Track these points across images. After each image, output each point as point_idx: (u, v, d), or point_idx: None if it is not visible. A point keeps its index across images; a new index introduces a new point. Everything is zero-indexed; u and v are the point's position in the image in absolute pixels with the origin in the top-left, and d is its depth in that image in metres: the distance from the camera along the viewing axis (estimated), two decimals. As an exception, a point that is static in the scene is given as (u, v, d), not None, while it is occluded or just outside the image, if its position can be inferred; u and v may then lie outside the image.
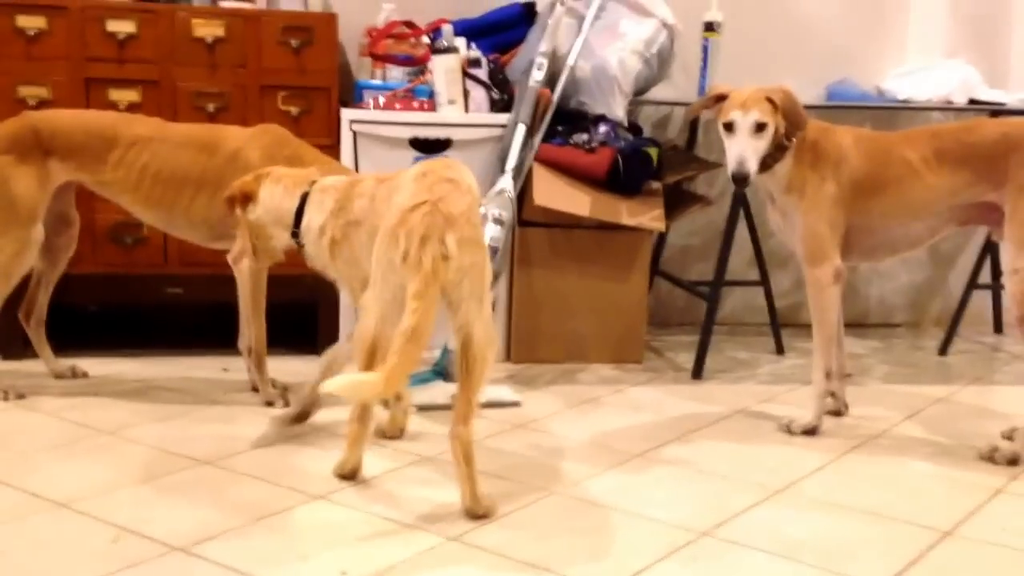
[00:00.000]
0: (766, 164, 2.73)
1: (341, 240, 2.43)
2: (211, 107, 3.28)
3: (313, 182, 2.51)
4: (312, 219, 2.47)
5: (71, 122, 2.89)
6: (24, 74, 3.19)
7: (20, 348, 3.20)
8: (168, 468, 2.43)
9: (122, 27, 3.21)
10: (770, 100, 2.68)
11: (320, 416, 2.76)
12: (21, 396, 2.90)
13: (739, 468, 2.58)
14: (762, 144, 2.69)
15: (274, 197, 2.53)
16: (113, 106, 3.21)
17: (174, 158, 2.86)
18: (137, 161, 2.85)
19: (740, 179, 2.67)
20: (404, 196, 2.20)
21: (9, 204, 2.80)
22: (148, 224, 3.06)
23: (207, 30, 3.25)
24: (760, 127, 2.67)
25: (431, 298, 2.10)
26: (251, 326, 2.94)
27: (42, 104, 3.17)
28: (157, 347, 3.43)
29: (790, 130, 2.72)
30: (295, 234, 2.50)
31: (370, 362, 2.21)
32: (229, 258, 2.89)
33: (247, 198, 2.56)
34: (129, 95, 3.23)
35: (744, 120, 2.67)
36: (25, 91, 3.18)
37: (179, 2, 3.42)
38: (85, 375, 3.12)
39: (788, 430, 2.84)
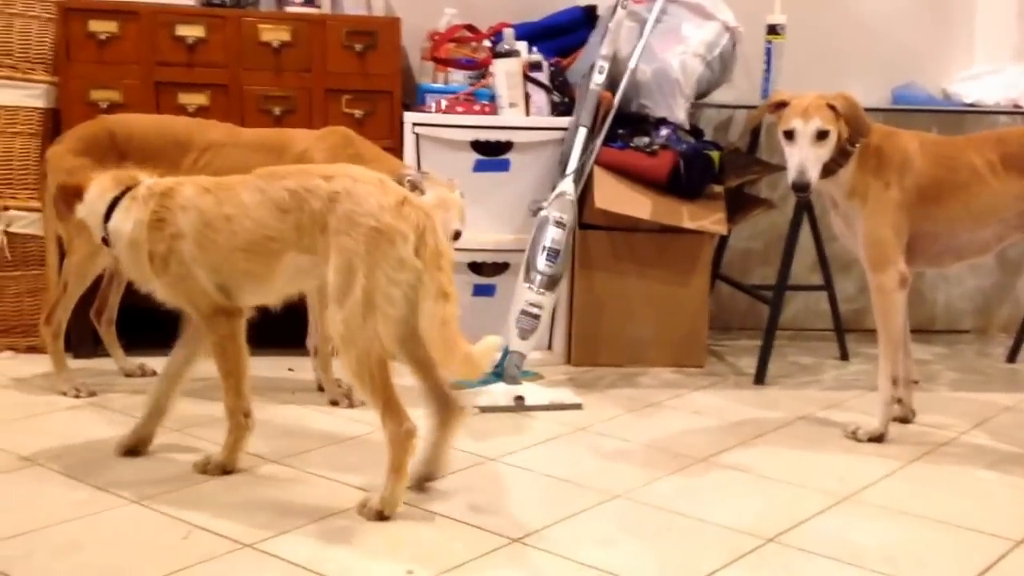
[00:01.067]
0: (829, 170, 2.70)
1: (167, 255, 2.28)
2: (277, 110, 3.32)
3: (132, 186, 2.34)
4: (119, 224, 2.31)
5: (147, 127, 2.95)
6: (96, 78, 3.26)
7: (91, 347, 3.27)
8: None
9: (191, 32, 3.27)
10: (832, 107, 2.65)
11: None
12: (92, 394, 2.96)
13: (804, 474, 2.55)
14: (824, 152, 2.66)
15: (92, 196, 2.36)
16: (182, 109, 3.27)
17: (245, 162, 2.90)
18: (211, 166, 2.90)
19: (800, 188, 2.65)
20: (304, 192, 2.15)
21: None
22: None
23: (273, 35, 3.30)
24: (821, 135, 2.64)
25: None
26: (318, 326, 2.97)
27: (113, 107, 3.24)
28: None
29: (853, 136, 2.69)
30: (105, 240, 2.36)
31: (383, 381, 2.16)
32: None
33: (77, 194, 2.39)
34: (198, 99, 3.29)
35: (805, 128, 2.64)
36: (97, 94, 3.25)
37: (247, 7, 3.49)
38: (154, 373, 3.16)
39: (854, 437, 2.81)
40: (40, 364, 3.14)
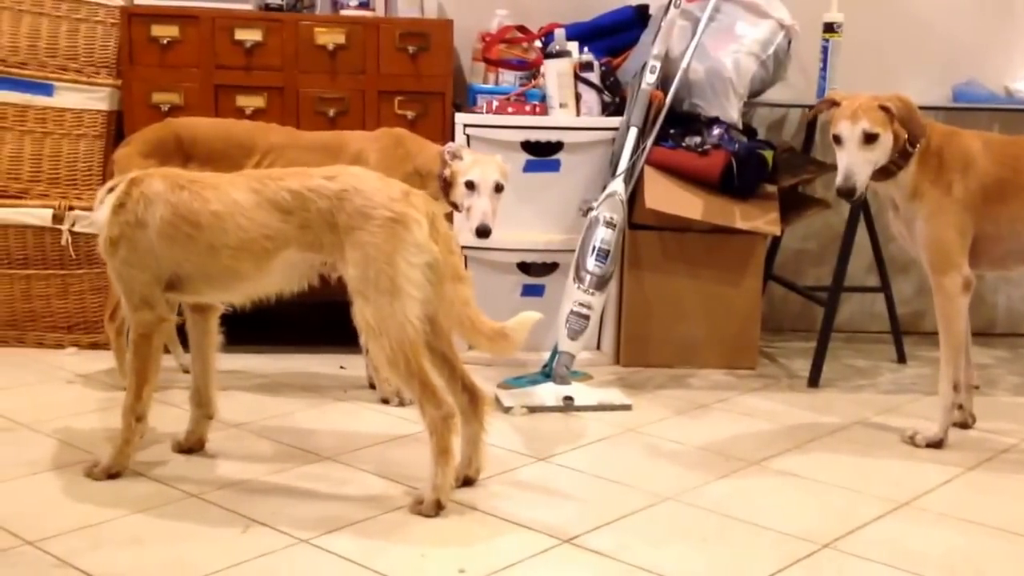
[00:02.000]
0: (888, 171, 2.66)
1: (119, 239, 2.30)
2: (331, 112, 3.37)
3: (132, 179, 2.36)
4: (98, 214, 2.35)
5: (211, 130, 3.02)
6: (158, 81, 3.33)
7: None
8: (292, 462, 2.52)
9: (249, 35, 3.33)
10: (884, 108, 2.61)
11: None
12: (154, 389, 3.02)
13: (860, 480, 2.53)
14: (873, 155, 2.61)
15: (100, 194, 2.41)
16: (239, 112, 3.33)
17: (304, 163, 2.94)
18: (273, 167, 2.95)
19: (847, 193, 2.61)
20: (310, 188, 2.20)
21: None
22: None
23: (329, 37, 3.35)
24: (870, 138, 2.59)
25: None
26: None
27: (174, 110, 3.31)
28: (279, 344, 3.53)
29: (909, 138, 2.65)
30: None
31: (418, 366, 2.19)
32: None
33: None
34: (255, 101, 3.35)
35: (852, 131, 2.59)
36: (158, 97, 3.33)
37: (303, 11, 3.54)
38: (213, 370, 3.24)
39: (912, 442, 2.78)
40: (103, 360, 3.22)
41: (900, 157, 2.66)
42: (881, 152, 2.62)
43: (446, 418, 2.20)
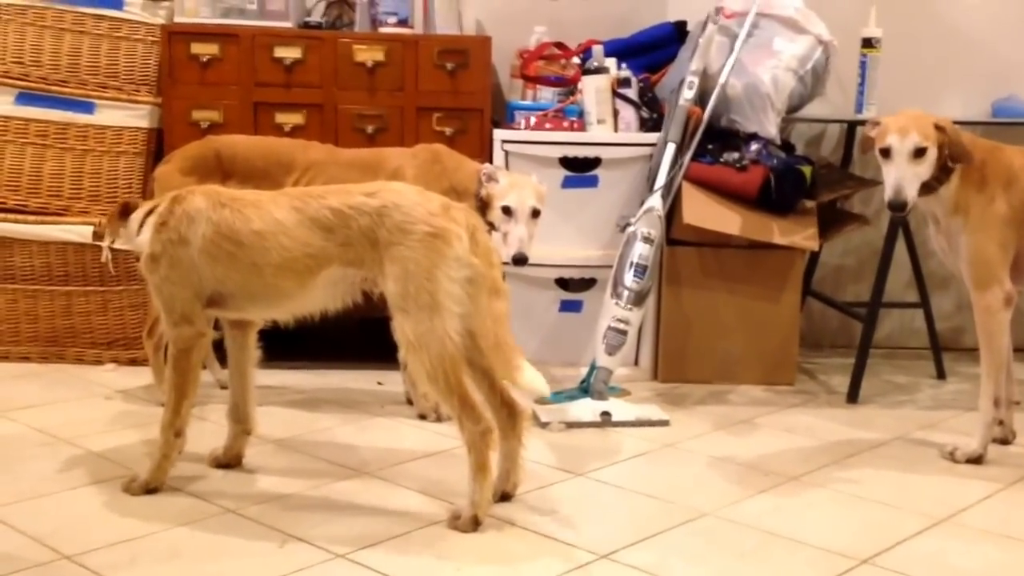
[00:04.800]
0: (930, 187, 2.64)
1: (160, 255, 2.31)
2: (370, 129, 3.39)
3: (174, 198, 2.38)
4: (142, 236, 2.36)
5: (251, 147, 3.05)
6: (198, 98, 3.37)
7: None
8: (329, 477, 2.52)
9: (289, 53, 3.36)
10: (938, 127, 2.59)
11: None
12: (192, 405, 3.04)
13: (900, 495, 2.50)
14: (922, 169, 2.59)
15: (134, 216, 2.42)
16: (279, 129, 3.36)
17: (344, 180, 2.97)
18: (312, 185, 2.98)
19: (897, 207, 2.58)
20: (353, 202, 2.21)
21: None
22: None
23: (368, 55, 3.37)
24: (919, 152, 2.57)
25: None
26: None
27: (213, 127, 3.34)
28: (317, 360, 3.55)
29: (955, 159, 2.62)
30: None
31: (457, 382, 2.18)
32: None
33: (125, 213, 2.44)
34: (294, 118, 3.38)
35: (902, 145, 2.58)
36: (198, 115, 3.36)
37: (342, 29, 3.57)
38: (249, 385, 3.26)
39: (952, 458, 2.74)
40: (142, 376, 3.24)
41: (942, 172, 2.63)
42: (927, 166, 2.60)
43: (484, 434, 2.20)
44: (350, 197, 2.25)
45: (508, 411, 2.34)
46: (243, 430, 2.57)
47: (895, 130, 2.59)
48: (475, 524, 2.21)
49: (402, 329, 2.18)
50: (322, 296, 2.32)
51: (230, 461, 2.57)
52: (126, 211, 2.43)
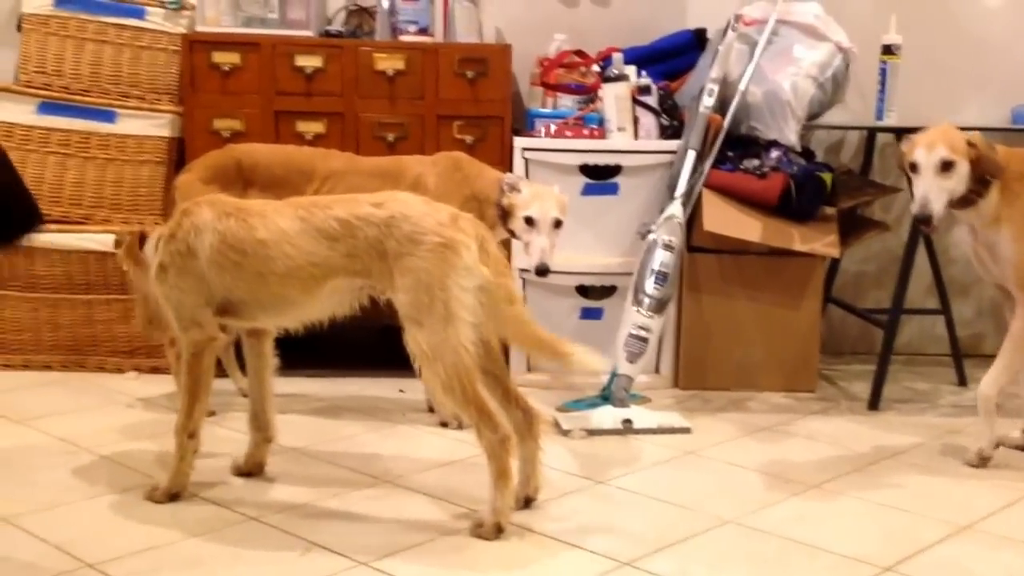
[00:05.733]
0: (969, 200, 2.62)
1: (169, 266, 2.33)
2: (391, 137, 3.40)
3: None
4: (150, 252, 2.39)
5: (272, 156, 3.06)
6: (219, 107, 3.39)
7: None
8: (351, 485, 2.53)
9: (310, 62, 3.38)
10: (969, 142, 2.57)
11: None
12: (212, 413, 3.03)
13: (921, 503, 2.49)
14: (950, 183, 2.57)
15: (150, 245, 2.42)
16: (300, 137, 3.38)
17: (365, 189, 2.98)
18: (332, 193, 2.98)
19: (924, 221, 2.57)
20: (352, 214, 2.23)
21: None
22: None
23: (388, 63, 3.39)
24: (946, 165, 2.56)
25: None
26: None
27: (235, 136, 3.36)
28: (338, 368, 3.56)
29: (986, 174, 2.60)
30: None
31: (473, 391, 2.18)
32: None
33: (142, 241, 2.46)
34: (315, 127, 3.39)
35: (928, 158, 2.57)
36: (219, 124, 3.38)
37: (362, 37, 3.59)
38: (271, 393, 3.27)
39: (981, 460, 2.73)
40: (163, 384, 3.26)
41: (979, 185, 2.61)
42: (957, 181, 2.58)
43: (503, 441, 2.20)
44: (357, 207, 2.25)
45: (524, 414, 2.35)
46: (264, 438, 2.58)
47: (922, 144, 2.59)
48: (498, 531, 2.21)
49: (415, 340, 2.18)
50: (328, 304, 2.33)
51: (252, 469, 2.58)
52: (142, 241, 2.46)
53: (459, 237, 2.18)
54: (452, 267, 2.15)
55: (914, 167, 2.60)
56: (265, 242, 2.27)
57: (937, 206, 2.56)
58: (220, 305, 2.35)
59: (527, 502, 2.37)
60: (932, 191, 2.56)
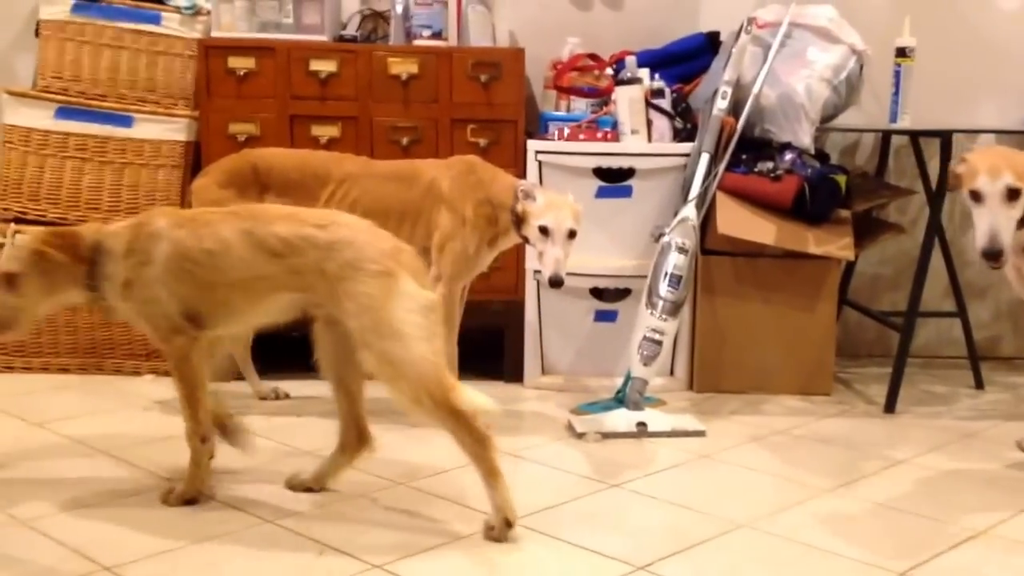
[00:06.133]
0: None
1: (134, 281, 2.34)
2: (404, 140, 3.41)
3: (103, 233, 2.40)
4: (105, 268, 2.37)
5: (287, 160, 3.08)
6: (234, 112, 3.41)
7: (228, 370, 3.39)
8: (366, 487, 2.53)
9: (324, 66, 3.39)
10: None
11: (510, 441, 2.84)
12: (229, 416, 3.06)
13: (938, 507, 2.48)
14: (1016, 212, 2.41)
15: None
16: (315, 141, 3.39)
17: (380, 192, 3.01)
18: (347, 197, 3.01)
19: (992, 256, 2.38)
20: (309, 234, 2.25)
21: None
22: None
23: (402, 67, 3.40)
24: (1014, 193, 2.40)
25: None
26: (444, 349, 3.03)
27: (250, 140, 3.38)
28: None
29: None
30: (92, 287, 2.38)
31: (443, 398, 2.19)
32: (425, 285, 3.00)
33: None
34: (330, 131, 3.40)
35: (994, 186, 2.40)
36: (235, 128, 3.40)
37: (376, 42, 3.60)
38: (287, 396, 3.28)
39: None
40: (180, 386, 3.27)
41: None
42: (1021, 208, 2.42)
43: (483, 441, 2.20)
44: (301, 228, 2.28)
45: (357, 433, 2.46)
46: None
47: (985, 170, 2.42)
48: (508, 527, 2.22)
49: (372, 364, 2.21)
50: (272, 313, 2.37)
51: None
52: (75, 241, 2.39)
53: (397, 271, 2.21)
54: (393, 292, 2.19)
55: (976, 196, 2.43)
56: (211, 252, 2.31)
57: (1006, 237, 2.39)
58: (183, 314, 2.37)
59: (307, 490, 2.46)
60: (1000, 222, 2.38)
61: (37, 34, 3.60)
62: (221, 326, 2.42)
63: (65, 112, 3.51)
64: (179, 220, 2.37)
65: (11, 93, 3.53)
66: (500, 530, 2.22)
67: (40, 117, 3.51)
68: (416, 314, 2.19)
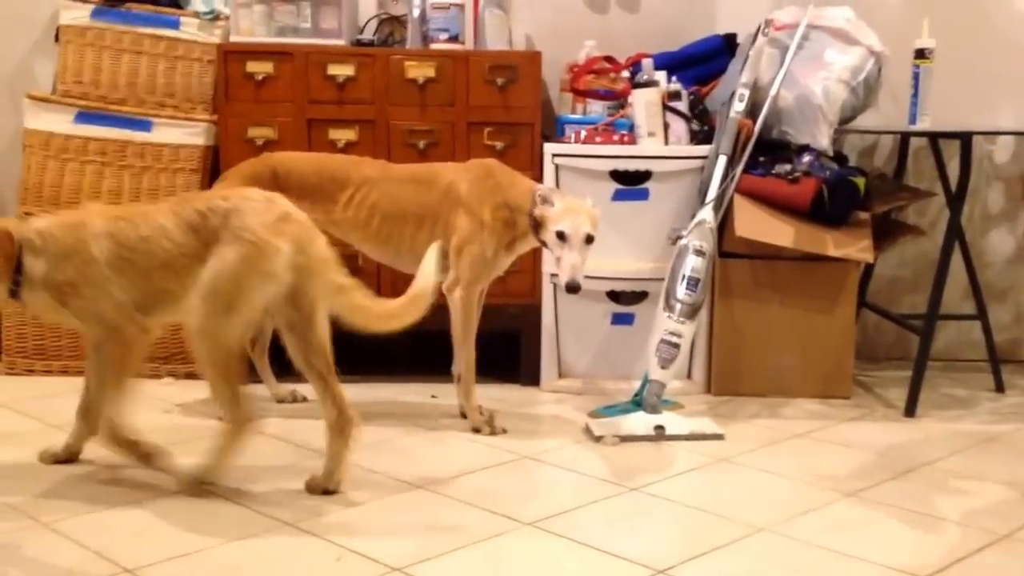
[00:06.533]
0: None
1: (77, 282, 2.43)
2: (421, 144, 3.42)
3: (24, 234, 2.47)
4: (34, 268, 2.44)
5: (306, 164, 3.09)
6: (253, 116, 3.42)
7: (246, 374, 3.39)
8: (384, 490, 2.54)
9: (341, 70, 3.40)
10: None
11: (528, 445, 2.84)
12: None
13: (960, 511, 2.47)
14: None
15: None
16: (332, 145, 3.40)
17: (398, 196, 3.01)
18: (366, 200, 3.01)
19: None
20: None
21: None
22: (375, 259, 3.19)
23: (419, 71, 3.40)
24: None
25: None
26: (461, 353, 3.03)
27: (268, 144, 3.39)
28: (370, 373, 3.57)
29: None
30: (14, 292, 2.46)
31: (234, 373, 2.43)
32: (443, 288, 3.00)
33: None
34: (347, 134, 3.41)
35: None
36: (253, 132, 3.41)
37: (393, 46, 3.61)
38: (304, 399, 3.28)
39: None
40: (199, 390, 3.27)
41: None
42: None
43: (242, 423, 2.44)
44: (211, 200, 2.46)
45: (339, 413, 2.49)
46: (89, 430, 2.66)
47: None
48: (191, 491, 2.46)
49: (195, 312, 2.38)
50: None
51: (69, 457, 2.69)
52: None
53: (273, 242, 2.36)
54: (253, 268, 2.35)
55: None
56: (147, 238, 2.44)
57: None
58: (135, 305, 2.48)
59: (327, 493, 2.50)
60: None
61: (57, 39, 3.63)
62: (161, 314, 2.54)
63: (85, 117, 3.53)
64: (115, 214, 2.50)
65: (32, 98, 3.56)
66: (189, 487, 2.47)
67: (60, 122, 3.53)
68: (260, 295, 2.36)
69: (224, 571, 2.10)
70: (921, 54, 3.48)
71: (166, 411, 3.19)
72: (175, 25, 3.56)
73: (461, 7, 3.55)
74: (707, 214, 3.24)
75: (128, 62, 3.58)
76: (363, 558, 2.15)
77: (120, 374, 2.51)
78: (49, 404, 3.22)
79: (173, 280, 2.44)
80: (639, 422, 3.01)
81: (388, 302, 2.48)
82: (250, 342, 3.27)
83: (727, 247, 3.38)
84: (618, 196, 3.44)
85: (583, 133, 3.49)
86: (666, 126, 3.49)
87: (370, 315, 2.46)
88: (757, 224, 3.33)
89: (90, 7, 3.57)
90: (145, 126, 3.54)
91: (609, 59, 3.70)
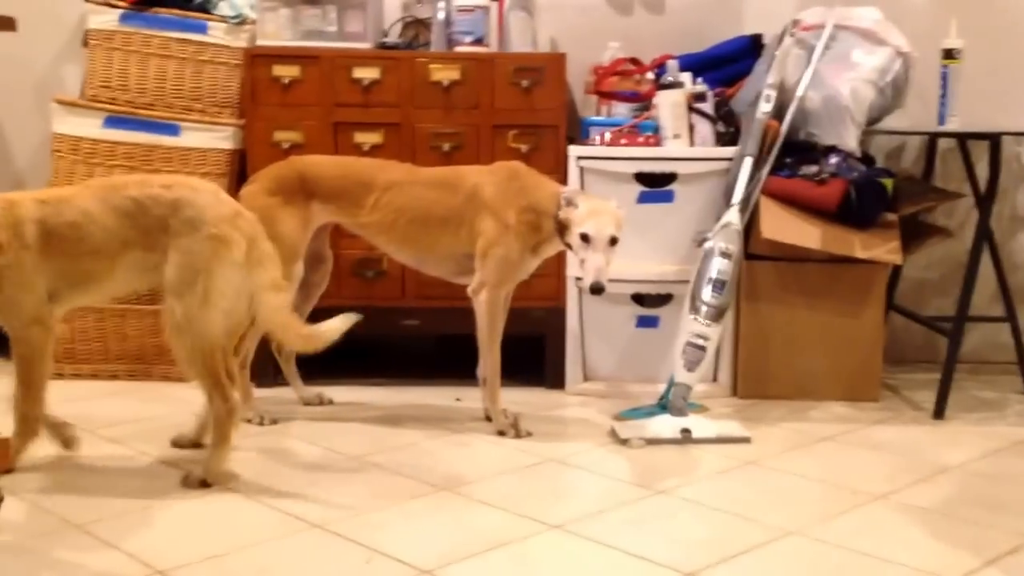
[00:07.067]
0: None
1: (4, 268, 2.47)
2: (446, 147, 3.42)
3: None
4: None
5: (332, 168, 3.10)
6: (279, 119, 3.43)
7: (272, 376, 3.42)
8: (410, 493, 2.54)
9: (367, 74, 3.41)
10: None
11: (553, 448, 2.84)
12: (275, 422, 3.09)
13: (991, 513, 2.45)
14: None
15: None
16: (357, 148, 3.41)
17: (423, 199, 3.02)
18: (392, 204, 3.02)
19: None
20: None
21: (275, 242, 3.00)
22: (401, 262, 3.20)
23: (444, 74, 3.41)
24: None
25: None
26: (486, 356, 3.04)
27: (294, 147, 3.40)
28: (395, 376, 3.58)
29: None
30: None
31: (214, 366, 2.50)
32: (469, 291, 3.01)
33: None
34: (372, 137, 3.42)
35: None
36: (280, 135, 3.42)
37: (418, 49, 3.62)
38: (331, 402, 3.30)
39: None
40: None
41: None
42: None
43: (230, 412, 2.52)
44: (149, 189, 2.52)
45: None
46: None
47: None
48: (202, 485, 2.52)
49: (172, 311, 2.46)
50: (129, 277, 2.58)
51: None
52: None
53: (232, 235, 2.45)
54: (221, 259, 2.44)
55: None
56: (75, 224, 2.49)
57: None
58: (48, 293, 2.54)
59: (196, 446, 2.73)
60: None
61: (85, 44, 3.66)
62: (79, 298, 2.61)
63: (113, 121, 3.56)
64: (41, 198, 2.53)
65: (60, 102, 3.59)
66: (194, 482, 2.52)
67: (89, 126, 3.56)
68: (231, 286, 2.45)
69: (255, 573, 2.11)
70: (949, 54, 3.45)
71: (195, 414, 3.19)
72: (202, 29, 3.58)
73: (486, 9, 3.55)
74: (733, 216, 3.23)
75: (156, 66, 3.60)
76: (392, 560, 2.15)
77: (31, 374, 2.57)
78: (80, 407, 3.25)
79: (101, 265, 2.52)
80: (665, 425, 3.00)
81: (300, 321, 2.61)
82: (277, 345, 3.29)
83: (753, 249, 3.37)
84: (643, 198, 3.44)
85: (608, 135, 3.49)
86: (691, 128, 3.48)
87: (285, 322, 2.53)
88: (784, 226, 3.31)
89: (118, 11, 3.59)
90: (173, 130, 3.56)
91: (634, 60, 3.69)
